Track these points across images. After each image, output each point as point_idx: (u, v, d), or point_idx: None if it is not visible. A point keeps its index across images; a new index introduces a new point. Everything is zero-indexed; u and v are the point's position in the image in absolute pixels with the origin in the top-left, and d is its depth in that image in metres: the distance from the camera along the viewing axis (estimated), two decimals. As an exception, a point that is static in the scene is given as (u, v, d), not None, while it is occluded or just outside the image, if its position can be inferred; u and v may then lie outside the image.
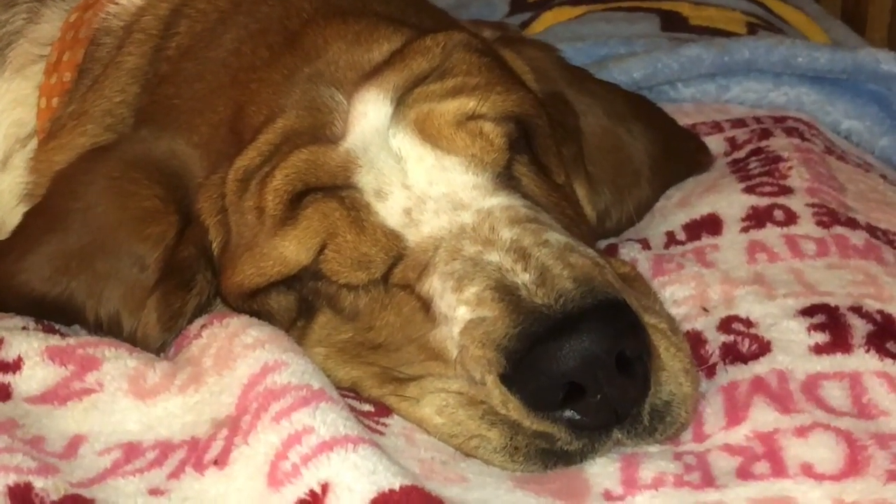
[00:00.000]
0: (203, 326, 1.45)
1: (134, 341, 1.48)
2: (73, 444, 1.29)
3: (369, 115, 1.43)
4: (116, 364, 1.37)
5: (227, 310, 1.51)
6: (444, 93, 1.43)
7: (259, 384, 1.28)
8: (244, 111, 1.49)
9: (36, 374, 1.37)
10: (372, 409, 1.37)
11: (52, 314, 1.52)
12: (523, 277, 1.29)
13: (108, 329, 1.50)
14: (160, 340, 1.48)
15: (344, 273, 1.41)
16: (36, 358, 1.38)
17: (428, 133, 1.42)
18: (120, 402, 1.33)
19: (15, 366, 1.37)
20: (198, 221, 1.49)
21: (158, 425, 1.31)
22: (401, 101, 1.43)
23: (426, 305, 1.36)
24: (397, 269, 1.40)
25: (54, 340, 1.41)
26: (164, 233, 1.49)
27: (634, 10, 2.55)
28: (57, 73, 1.71)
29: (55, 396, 1.34)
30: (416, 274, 1.37)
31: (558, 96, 1.66)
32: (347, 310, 1.44)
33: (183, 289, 1.49)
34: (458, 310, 1.32)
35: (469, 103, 1.43)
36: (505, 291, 1.29)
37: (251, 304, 1.48)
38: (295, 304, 1.47)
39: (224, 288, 1.48)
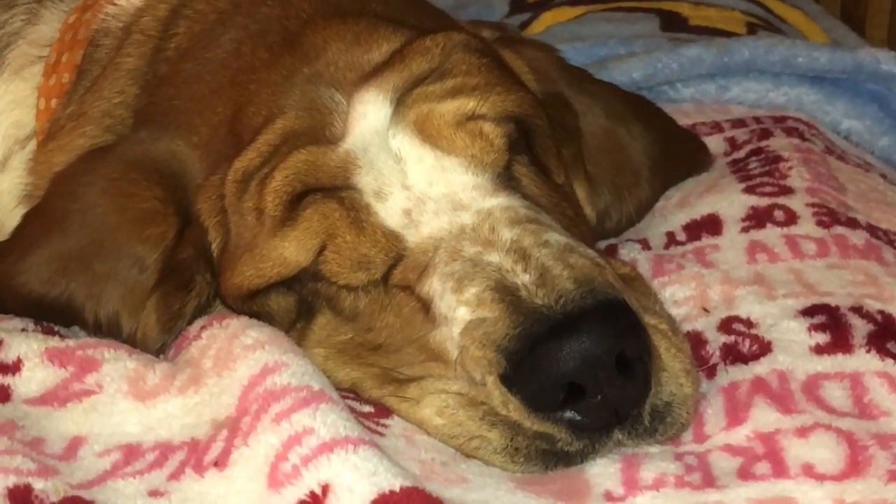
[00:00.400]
0: (202, 328, 1.44)
1: (133, 343, 1.47)
2: (73, 446, 1.28)
3: (369, 116, 1.43)
4: (116, 365, 1.37)
5: (226, 311, 1.51)
6: (443, 93, 1.43)
7: (259, 385, 1.28)
8: (243, 112, 1.49)
9: (35, 376, 1.36)
10: (372, 410, 1.37)
11: (52, 315, 1.52)
12: (523, 278, 1.29)
13: (108, 330, 1.49)
14: (159, 342, 1.47)
15: (343, 274, 1.41)
16: (35, 359, 1.37)
17: (427, 133, 1.42)
18: (119, 404, 1.33)
19: (14, 367, 1.37)
20: (197, 222, 1.49)
21: (158, 427, 1.30)
22: (400, 102, 1.43)
23: (426, 306, 1.36)
24: (397, 270, 1.39)
25: (54, 342, 1.41)
26: (164, 234, 1.49)
27: (634, 11, 2.54)
28: (56, 74, 1.70)
29: (55, 398, 1.34)
30: (416, 275, 1.37)
31: (558, 97, 1.66)
32: (347, 311, 1.43)
33: (182, 290, 1.49)
34: (458, 310, 1.31)
35: (469, 104, 1.43)
36: (505, 292, 1.29)
37: (251, 305, 1.47)
38: (294, 305, 1.47)
39: (223, 289, 1.48)
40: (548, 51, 1.74)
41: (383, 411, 1.37)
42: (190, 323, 1.49)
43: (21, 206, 1.69)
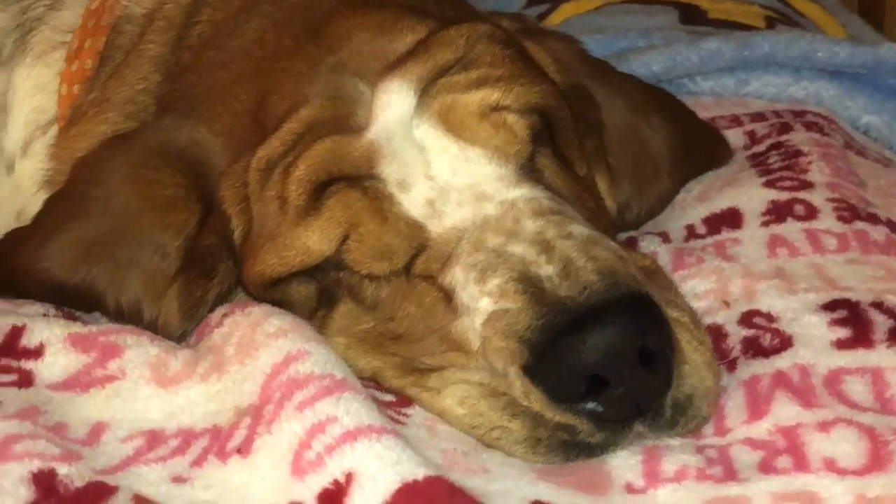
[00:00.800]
0: (224, 315, 1.44)
1: (155, 329, 1.47)
2: (96, 432, 1.28)
3: (393, 106, 1.43)
4: (138, 352, 1.37)
5: (248, 299, 1.51)
6: (467, 84, 1.43)
7: (282, 373, 1.28)
8: (267, 100, 1.49)
9: (58, 361, 1.36)
10: (393, 400, 1.37)
11: (73, 301, 1.52)
12: (547, 269, 1.29)
13: (129, 317, 1.49)
14: (181, 329, 1.48)
15: (366, 263, 1.41)
16: (58, 345, 1.38)
17: (451, 124, 1.42)
18: (142, 390, 1.33)
19: (37, 352, 1.37)
20: (220, 210, 1.49)
21: (180, 413, 1.31)
22: (424, 92, 1.43)
23: (448, 296, 1.36)
24: (419, 260, 1.39)
25: (76, 328, 1.41)
26: (186, 221, 1.49)
27: (652, 3, 2.54)
28: (78, 60, 1.71)
29: (77, 383, 1.34)
30: (439, 265, 1.37)
31: (580, 89, 1.66)
32: (369, 300, 1.44)
33: (204, 277, 1.49)
34: (481, 301, 1.31)
35: (493, 95, 1.43)
36: (528, 283, 1.29)
37: (272, 293, 1.47)
38: (316, 294, 1.47)
39: (245, 277, 1.48)
40: (570, 42, 1.74)
41: (404, 401, 1.37)
42: (211, 310, 1.49)
43: (42, 192, 1.69)
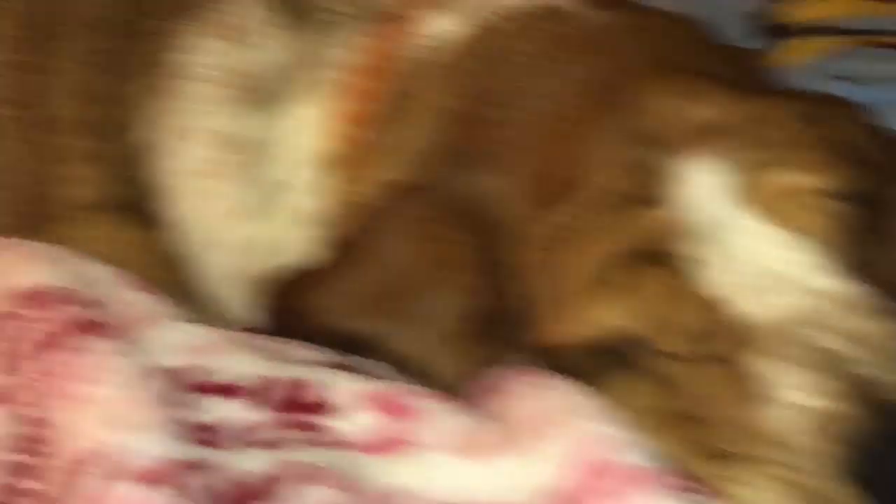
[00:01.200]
0: (512, 381, 1.43)
1: (432, 386, 1.47)
2: (404, 500, 1.29)
3: (696, 180, 1.40)
4: (437, 416, 1.36)
5: (526, 362, 1.50)
6: (778, 163, 1.40)
7: (589, 457, 1.27)
8: (561, 164, 1.47)
9: (357, 420, 1.36)
10: (690, 485, 1.34)
11: (351, 349, 1.53)
12: (873, 371, 1.26)
13: (408, 373, 1.49)
14: (461, 390, 1.46)
15: (658, 340, 1.39)
16: (356, 402, 1.38)
17: (761, 204, 1.38)
18: (443, 458, 1.32)
19: (335, 409, 1.37)
20: (507, 273, 1.48)
21: (488, 487, 1.30)
22: (730, 168, 1.40)
23: (750, 384, 1.33)
24: (718, 342, 1.36)
25: (372, 385, 1.41)
26: (472, 281, 1.48)
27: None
28: (355, 100, 1.70)
29: (378, 446, 1.34)
30: (741, 350, 1.34)
31: (874, 163, 1.60)
32: (659, 377, 1.41)
33: (487, 339, 1.48)
34: (794, 395, 1.29)
35: (806, 176, 1.39)
36: (852, 384, 1.25)
37: (554, 359, 1.46)
38: (598, 364, 1.45)
39: (529, 343, 1.47)
40: (863, 112, 1.67)
41: (701, 485, 1.33)
42: (492, 373, 1.48)
43: (313, 232, 1.69)
